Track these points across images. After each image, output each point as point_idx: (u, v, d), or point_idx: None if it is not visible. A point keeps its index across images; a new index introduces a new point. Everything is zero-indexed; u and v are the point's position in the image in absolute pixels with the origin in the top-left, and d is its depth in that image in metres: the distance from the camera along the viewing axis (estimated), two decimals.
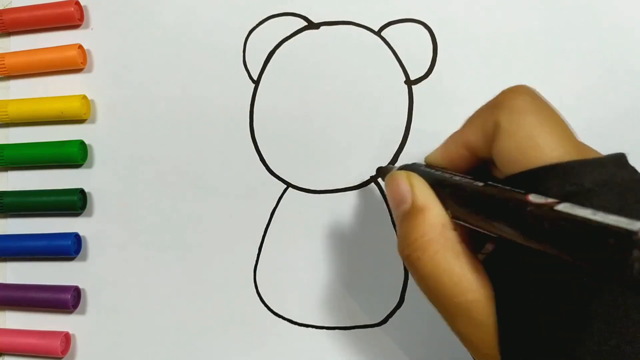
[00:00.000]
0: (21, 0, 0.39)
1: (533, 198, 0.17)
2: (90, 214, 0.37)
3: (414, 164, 0.26)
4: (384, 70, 0.33)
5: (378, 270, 0.33)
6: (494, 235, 0.19)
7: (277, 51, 0.35)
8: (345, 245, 0.33)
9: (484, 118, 0.22)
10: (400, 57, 0.33)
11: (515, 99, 0.21)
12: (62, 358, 0.36)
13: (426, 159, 0.26)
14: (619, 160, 0.20)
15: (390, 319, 0.33)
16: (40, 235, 0.37)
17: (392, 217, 0.33)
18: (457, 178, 0.22)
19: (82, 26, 0.38)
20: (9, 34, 0.39)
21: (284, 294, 0.34)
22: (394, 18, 0.33)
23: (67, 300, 0.36)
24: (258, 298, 0.34)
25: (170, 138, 0.36)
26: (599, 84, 0.31)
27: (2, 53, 0.38)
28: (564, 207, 0.16)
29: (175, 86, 0.36)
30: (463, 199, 0.21)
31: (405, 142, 0.33)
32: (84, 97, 0.37)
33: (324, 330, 0.33)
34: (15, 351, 0.37)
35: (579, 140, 0.21)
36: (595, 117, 0.31)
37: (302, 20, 0.35)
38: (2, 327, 0.38)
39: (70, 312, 0.37)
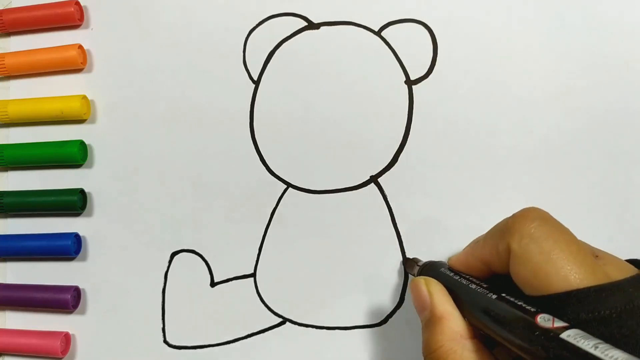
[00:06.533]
0: (21, 0, 0.39)
1: (541, 321, 0.18)
2: (90, 214, 0.37)
3: (434, 264, 0.27)
4: (384, 70, 0.33)
5: (378, 270, 0.33)
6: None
7: (277, 51, 0.35)
8: (345, 245, 0.33)
9: (497, 241, 0.23)
10: (400, 57, 0.33)
11: (526, 224, 0.22)
12: (62, 358, 0.36)
13: (448, 261, 0.27)
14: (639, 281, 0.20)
15: (390, 319, 0.33)
16: (40, 235, 0.37)
17: (392, 217, 0.33)
18: (473, 287, 0.23)
19: (82, 26, 0.38)
20: (9, 34, 0.39)
21: (284, 294, 0.34)
22: (394, 18, 0.33)
23: (67, 300, 0.36)
24: (258, 298, 0.34)
25: (170, 138, 0.36)
26: (599, 83, 0.31)
27: (2, 53, 0.38)
28: (569, 335, 0.17)
29: (176, 86, 0.36)
30: (478, 309, 0.22)
31: (405, 142, 0.33)
32: (84, 97, 0.37)
33: (324, 330, 0.33)
34: (15, 351, 0.37)
35: (594, 260, 0.21)
36: (595, 117, 0.31)
37: (302, 21, 0.35)
38: (2, 327, 0.38)
39: (70, 312, 0.37)
